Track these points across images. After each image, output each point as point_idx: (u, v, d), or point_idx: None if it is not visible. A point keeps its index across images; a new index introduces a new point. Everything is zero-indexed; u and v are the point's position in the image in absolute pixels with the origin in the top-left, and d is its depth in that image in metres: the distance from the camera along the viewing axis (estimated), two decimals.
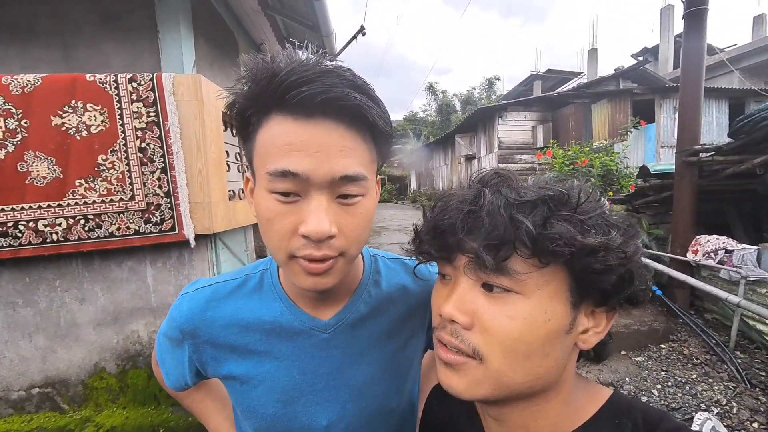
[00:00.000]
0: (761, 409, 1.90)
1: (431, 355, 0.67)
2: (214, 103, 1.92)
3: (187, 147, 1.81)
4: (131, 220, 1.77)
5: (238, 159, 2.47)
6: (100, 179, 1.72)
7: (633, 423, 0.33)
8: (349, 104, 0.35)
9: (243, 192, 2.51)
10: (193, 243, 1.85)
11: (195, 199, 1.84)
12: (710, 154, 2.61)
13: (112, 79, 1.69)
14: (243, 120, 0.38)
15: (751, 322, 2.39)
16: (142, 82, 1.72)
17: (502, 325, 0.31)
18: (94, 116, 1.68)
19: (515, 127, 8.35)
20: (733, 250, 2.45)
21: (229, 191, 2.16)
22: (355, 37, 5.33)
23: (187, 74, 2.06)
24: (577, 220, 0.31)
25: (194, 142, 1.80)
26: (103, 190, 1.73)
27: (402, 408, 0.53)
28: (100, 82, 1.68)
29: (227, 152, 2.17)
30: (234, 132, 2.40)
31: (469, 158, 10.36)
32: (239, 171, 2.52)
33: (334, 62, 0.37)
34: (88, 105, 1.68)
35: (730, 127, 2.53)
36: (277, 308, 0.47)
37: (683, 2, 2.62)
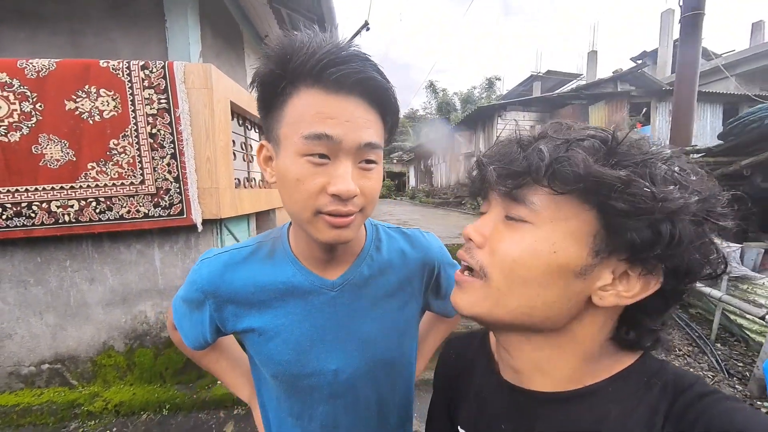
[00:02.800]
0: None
1: (428, 319, 0.77)
2: (223, 92, 1.98)
3: (197, 134, 1.86)
4: (141, 204, 1.83)
5: (243, 148, 2.53)
6: (111, 163, 1.78)
7: (663, 383, 0.32)
8: (374, 84, 0.41)
9: (248, 181, 2.58)
10: (200, 227, 1.92)
11: (203, 185, 1.91)
12: (701, 155, 2.71)
13: (124, 66, 1.74)
14: (274, 90, 0.42)
15: (732, 317, 2.50)
16: (154, 70, 1.77)
17: (506, 246, 0.33)
18: (107, 101, 1.74)
19: (515, 127, 8.42)
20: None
21: (235, 179, 2.22)
22: (359, 32, 5.36)
23: (198, 63, 2.12)
24: (603, 153, 0.30)
25: (203, 129, 1.86)
26: (114, 174, 1.79)
27: (401, 360, 0.59)
28: (113, 69, 1.74)
29: (233, 141, 2.22)
30: (240, 122, 2.46)
31: (469, 156, 10.43)
32: (244, 160, 2.58)
33: (358, 47, 0.42)
34: (101, 90, 1.73)
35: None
36: (289, 271, 0.53)
37: (680, 6, 2.70)
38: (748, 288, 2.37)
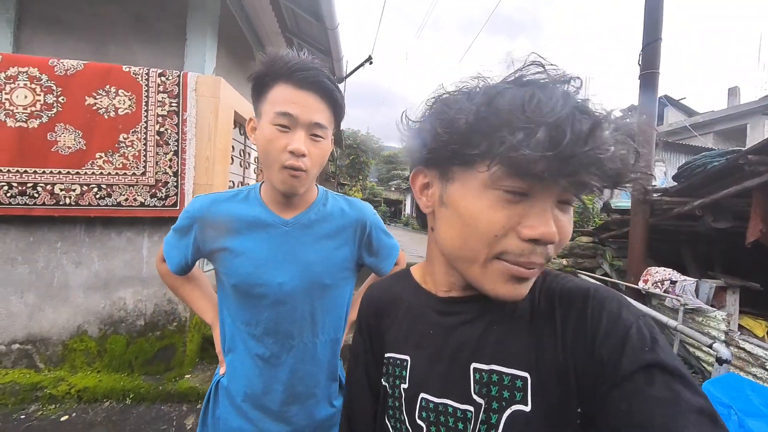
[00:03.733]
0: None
1: (370, 280, 0.90)
2: (228, 101, 2.21)
3: (200, 136, 2.06)
4: (139, 193, 1.98)
5: (241, 155, 2.73)
6: (118, 154, 1.95)
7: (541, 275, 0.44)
8: (324, 85, 0.64)
9: (242, 185, 2.75)
10: None
11: (199, 181, 2.07)
12: (659, 195, 2.96)
13: (144, 72, 1.98)
14: (262, 81, 0.64)
15: (691, 349, 2.61)
16: (170, 77, 2.00)
17: (568, 232, 0.37)
18: (123, 101, 1.95)
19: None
20: (677, 281, 2.73)
21: (230, 181, 2.39)
22: (362, 64, 5.83)
23: (209, 75, 2.37)
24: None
25: (206, 132, 2.06)
26: (119, 164, 1.95)
27: (332, 286, 0.74)
28: (133, 73, 1.96)
29: (233, 147, 2.42)
30: (241, 131, 2.68)
31: None
32: (241, 166, 2.77)
33: (318, 61, 0.65)
34: (120, 90, 1.94)
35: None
36: (258, 210, 0.72)
37: (639, 65, 3.09)
38: (702, 320, 2.51)
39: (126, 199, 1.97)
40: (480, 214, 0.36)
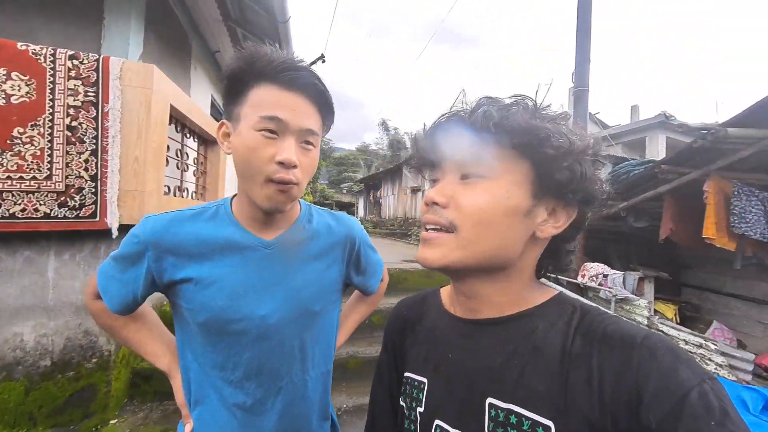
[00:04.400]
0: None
1: (352, 299, 0.87)
2: (163, 94, 1.91)
3: (127, 133, 1.74)
4: (42, 202, 1.59)
5: (179, 156, 2.39)
6: (11, 153, 1.54)
7: (574, 308, 0.40)
8: (316, 89, 0.56)
9: (180, 190, 2.41)
10: (115, 233, 1.72)
11: (126, 186, 1.74)
12: None
13: (49, 53, 1.60)
14: (240, 80, 0.55)
15: None
16: (86, 62, 1.65)
17: (471, 200, 0.39)
18: (18, 86, 1.55)
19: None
20: (608, 275, 3.08)
21: (165, 186, 2.07)
22: (314, 62, 5.62)
23: (139, 62, 2.02)
24: (533, 112, 0.38)
25: (135, 128, 1.75)
26: (11, 166, 1.55)
27: (322, 313, 0.66)
28: (33, 53, 1.58)
29: (168, 146, 2.10)
30: (178, 128, 2.35)
31: (415, 190, 11.07)
32: (178, 168, 2.43)
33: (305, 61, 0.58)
34: (13, 74, 1.54)
35: None
36: (231, 230, 0.61)
37: (573, 83, 3.43)
38: (629, 308, 2.86)
39: (23, 210, 1.57)
40: None
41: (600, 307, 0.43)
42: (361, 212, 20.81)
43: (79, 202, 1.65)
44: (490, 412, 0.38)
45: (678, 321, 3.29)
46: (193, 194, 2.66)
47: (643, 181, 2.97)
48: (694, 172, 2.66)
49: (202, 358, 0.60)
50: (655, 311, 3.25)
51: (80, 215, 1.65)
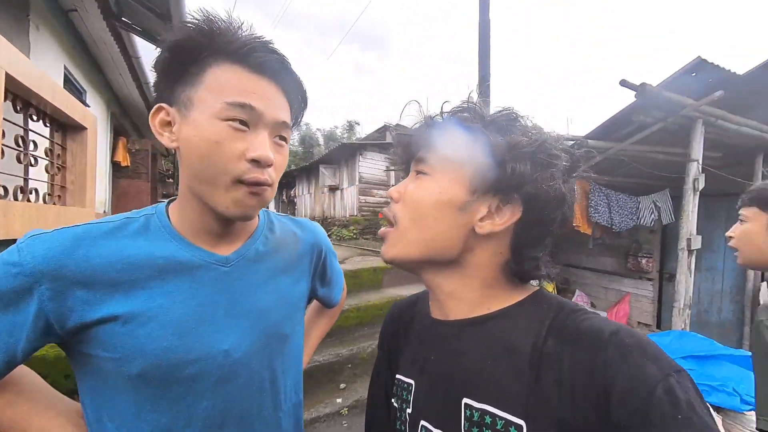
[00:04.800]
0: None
1: (310, 314, 0.81)
2: None
3: None
4: None
5: (21, 145, 1.73)
6: None
7: (549, 305, 0.41)
8: (290, 77, 0.48)
9: (23, 192, 1.75)
10: None
11: None
12: None
13: None
14: (192, 57, 0.44)
15: None
16: None
17: (410, 194, 0.44)
18: None
19: (374, 166, 9.51)
20: None
21: (1, 186, 1.47)
22: None
23: None
24: (471, 118, 0.41)
25: None
26: None
27: (293, 336, 0.59)
28: None
29: (2, 132, 1.50)
30: (18, 107, 1.69)
31: (333, 188, 10.88)
32: (20, 162, 1.76)
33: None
34: None
35: None
36: (172, 247, 0.48)
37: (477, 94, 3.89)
38: None
39: None
40: None
41: (576, 302, 0.43)
42: (271, 207, 19.31)
43: None
44: (465, 412, 0.39)
45: (556, 293, 4.10)
46: (47, 197, 1.98)
47: None
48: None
49: (134, 427, 0.44)
50: (540, 287, 3.96)
51: None
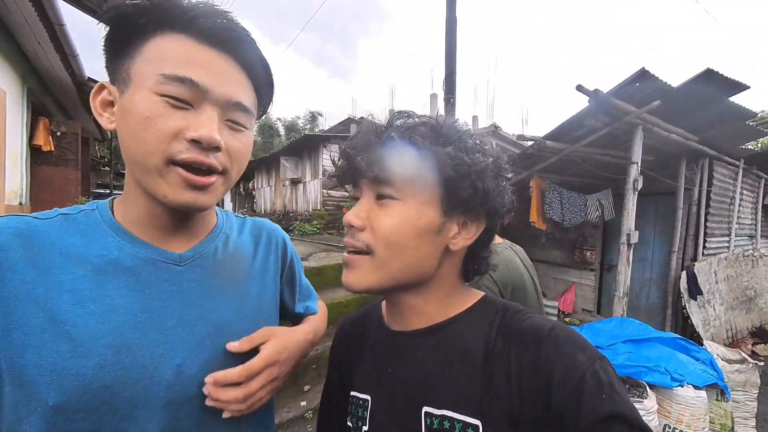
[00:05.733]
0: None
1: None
2: None
3: None
4: None
5: None
6: None
7: (496, 309, 0.44)
8: (246, 47, 0.40)
9: None
10: None
11: None
12: None
13: None
14: (131, 25, 0.38)
15: None
16: None
17: (383, 222, 0.40)
18: None
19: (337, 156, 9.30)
20: None
21: None
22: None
23: None
24: (434, 136, 0.41)
25: None
26: None
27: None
28: None
29: None
30: None
31: (295, 181, 10.46)
32: None
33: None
34: None
35: None
36: (112, 243, 0.42)
37: (443, 90, 3.93)
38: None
39: None
40: None
41: (519, 305, 0.47)
42: (228, 205, 18.16)
43: None
44: (426, 421, 0.40)
45: None
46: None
47: None
48: (524, 173, 3.52)
49: None
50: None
51: None
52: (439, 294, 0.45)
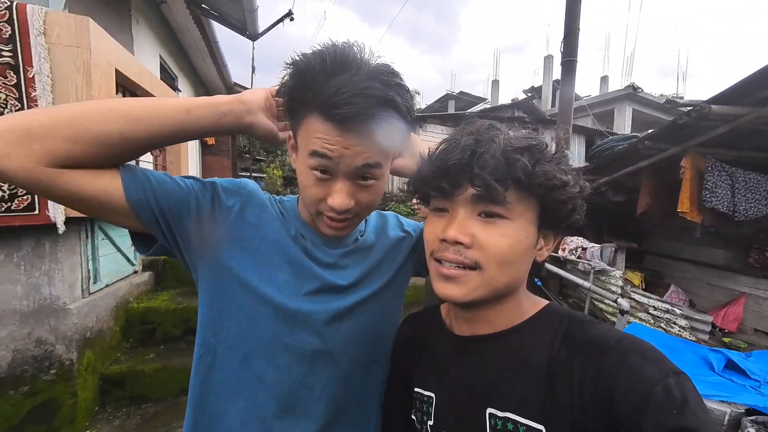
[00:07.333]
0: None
1: None
2: (105, 55, 1.55)
3: (62, 103, 1.41)
4: None
5: None
6: None
7: (561, 318, 0.45)
8: (374, 122, 0.45)
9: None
10: (61, 228, 1.45)
11: None
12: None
13: None
14: (295, 102, 0.48)
15: (597, 303, 3.14)
16: None
17: (498, 242, 0.42)
18: None
19: (434, 139, 9.14)
20: (587, 248, 3.21)
21: None
22: (281, 20, 5.03)
23: (67, 13, 1.61)
24: (554, 162, 0.43)
25: (73, 98, 1.41)
26: None
27: (388, 336, 0.62)
28: None
29: None
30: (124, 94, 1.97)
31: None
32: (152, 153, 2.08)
33: (375, 63, 0.47)
34: None
35: (586, 155, 3.31)
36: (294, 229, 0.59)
37: (561, 52, 3.32)
38: (605, 279, 3.03)
39: None
40: None
41: (586, 314, 0.48)
42: None
43: (8, 193, 1.34)
44: (490, 422, 0.42)
45: (644, 287, 3.56)
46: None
47: (624, 156, 3.03)
48: (673, 148, 2.73)
49: (244, 363, 0.54)
50: (625, 279, 3.48)
51: (13, 207, 1.36)
52: (514, 302, 0.47)
